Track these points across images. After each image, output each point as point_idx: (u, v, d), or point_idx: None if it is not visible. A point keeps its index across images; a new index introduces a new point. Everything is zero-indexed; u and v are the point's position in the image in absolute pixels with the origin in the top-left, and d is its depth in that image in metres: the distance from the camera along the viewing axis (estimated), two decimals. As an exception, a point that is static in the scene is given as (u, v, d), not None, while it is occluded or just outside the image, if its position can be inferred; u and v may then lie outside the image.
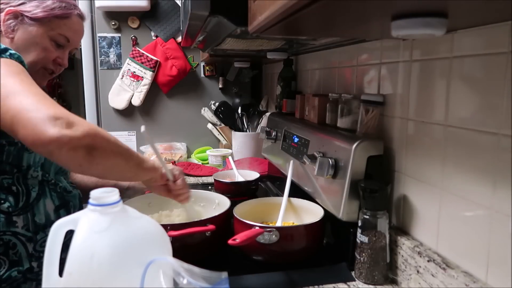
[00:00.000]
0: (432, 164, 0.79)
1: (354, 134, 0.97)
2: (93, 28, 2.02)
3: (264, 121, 1.88)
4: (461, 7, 0.52)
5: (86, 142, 0.70)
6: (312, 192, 1.09)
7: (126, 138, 2.09)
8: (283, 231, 0.91)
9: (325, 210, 0.99)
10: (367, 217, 0.85)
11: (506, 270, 0.62)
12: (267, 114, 1.80)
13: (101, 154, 0.73)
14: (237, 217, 0.97)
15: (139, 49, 2.01)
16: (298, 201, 1.11)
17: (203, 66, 2.13)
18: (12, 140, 0.86)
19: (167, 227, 0.66)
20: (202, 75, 2.15)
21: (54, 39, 0.97)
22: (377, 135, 0.95)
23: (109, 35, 2.03)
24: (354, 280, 0.87)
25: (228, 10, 0.79)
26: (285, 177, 1.17)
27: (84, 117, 2.06)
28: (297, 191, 1.15)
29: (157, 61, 2.01)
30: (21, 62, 0.82)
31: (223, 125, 2.09)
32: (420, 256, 0.79)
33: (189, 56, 2.08)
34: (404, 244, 0.84)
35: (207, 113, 2.14)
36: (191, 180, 1.76)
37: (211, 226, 0.94)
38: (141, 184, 1.07)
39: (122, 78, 2.03)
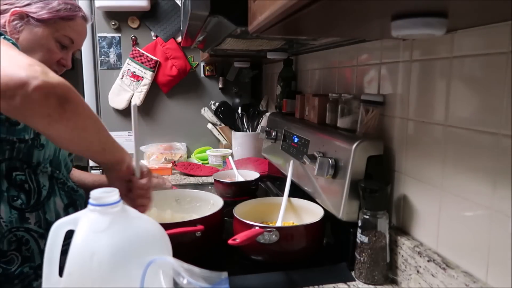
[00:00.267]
0: (432, 164, 0.79)
1: (354, 134, 0.97)
2: (93, 28, 2.02)
3: (264, 121, 1.89)
4: (461, 7, 0.52)
5: (59, 91, 0.65)
6: (312, 192, 1.09)
7: (126, 138, 2.08)
8: (283, 231, 0.92)
9: (325, 210, 0.99)
10: (367, 217, 0.85)
11: (506, 270, 0.62)
12: (267, 114, 1.80)
13: (73, 108, 0.67)
14: (237, 217, 0.97)
15: (139, 49, 2.01)
16: (298, 201, 1.11)
17: (203, 66, 2.13)
18: (22, 137, 0.87)
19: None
20: (202, 75, 2.15)
21: (59, 40, 0.98)
22: (377, 135, 0.95)
23: (109, 35, 2.03)
24: (354, 280, 0.87)
25: (228, 10, 0.79)
26: (285, 177, 1.17)
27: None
28: (297, 191, 1.15)
29: (157, 61, 2.01)
30: (15, 45, 0.81)
31: (223, 125, 2.08)
32: (420, 256, 0.79)
33: (189, 56, 2.08)
34: (404, 244, 0.84)
35: (207, 113, 2.14)
36: (191, 180, 1.76)
37: (200, 227, 0.94)
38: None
39: (122, 78, 2.03)
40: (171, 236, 0.88)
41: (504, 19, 0.61)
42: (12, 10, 0.93)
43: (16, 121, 0.86)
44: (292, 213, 1.11)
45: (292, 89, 1.56)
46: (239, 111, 1.98)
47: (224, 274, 0.56)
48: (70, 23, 0.99)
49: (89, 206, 0.59)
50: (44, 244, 0.87)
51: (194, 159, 2.07)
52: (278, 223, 1.03)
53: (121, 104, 2.05)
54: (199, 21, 0.91)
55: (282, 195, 1.10)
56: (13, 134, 0.86)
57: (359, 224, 0.86)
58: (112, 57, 2.05)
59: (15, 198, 0.87)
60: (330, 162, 0.95)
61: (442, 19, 0.55)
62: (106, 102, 2.06)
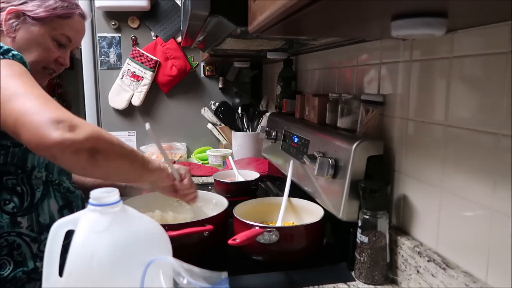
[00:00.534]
0: (432, 164, 0.79)
1: (354, 134, 0.97)
2: (93, 28, 2.02)
3: (264, 121, 1.89)
4: (461, 7, 0.52)
5: (88, 145, 0.70)
6: (312, 192, 1.09)
7: (126, 138, 2.09)
8: (283, 231, 0.91)
9: (325, 210, 0.99)
10: (367, 217, 0.85)
11: (506, 270, 0.62)
12: (267, 114, 1.80)
13: (104, 157, 0.73)
14: (237, 217, 0.97)
15: (139, 49, 2.01)
16: (298, 201, 1.11)
17: (203, 66, 2.13)
18: (16, 142, 0.85)
19: (165, 227, 0.66)
20: (202, 75, 2.15)
21: (56, 39, 0.97)
22: (377, 135, 0.95)
23: (109, 35, 2.03)
24: (354, 280, 0.87)
25: (228, 10, 0.79)
26: (285, 177, 1.17)
27: (84, 117, 2.06)
28: (297, 191, 1.15)
29: (157, 61, 2.01)
30: (24, 63, 0.82)
31: (223, 125, 2.09)
32: (420, 256, 0.79)
33: (189, 56, 2.08)
34: (404, 244, 0.84)
35: (207, 113, 2.14)
36: (191, 180, 1.76)
37: (209, 226, 0.94)
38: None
39: (122, 78, 2.03)
40: (178, 237, 0.88)
41: (504, 19, 0.61)
42: (8, 8, 0.92)
43: None
44: (292, 213, 1.11)
45: (292, 89, 1.55)
46: (239, 111, 1.98)
47: (224, 274, 0.56)
48: (67, 21, 0.98)
49: (89, 206, 0.59)
50: (37, 248, 0.87)
51: (194, 159, 2.07)
52: (278, 223, 1.03)
53: (121, 104, 2.05)
54: (199, 21, 0.91)
55: (282, 195, 1.10)
56: (7, 139, 0.84)
57: (359, 224, 0.86)
58: (112, 57, 2.05)
59: (7, 202, 0.85)
60: (330, 162, 0.95)
61: (442, 19, 0.55)
62: (106, 102, 2.06)
